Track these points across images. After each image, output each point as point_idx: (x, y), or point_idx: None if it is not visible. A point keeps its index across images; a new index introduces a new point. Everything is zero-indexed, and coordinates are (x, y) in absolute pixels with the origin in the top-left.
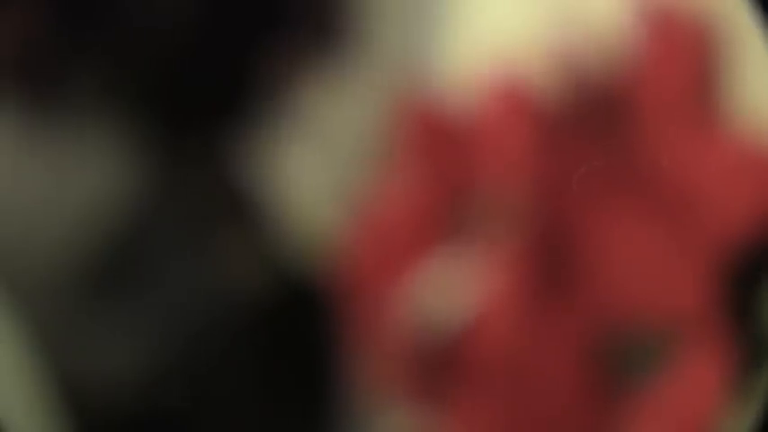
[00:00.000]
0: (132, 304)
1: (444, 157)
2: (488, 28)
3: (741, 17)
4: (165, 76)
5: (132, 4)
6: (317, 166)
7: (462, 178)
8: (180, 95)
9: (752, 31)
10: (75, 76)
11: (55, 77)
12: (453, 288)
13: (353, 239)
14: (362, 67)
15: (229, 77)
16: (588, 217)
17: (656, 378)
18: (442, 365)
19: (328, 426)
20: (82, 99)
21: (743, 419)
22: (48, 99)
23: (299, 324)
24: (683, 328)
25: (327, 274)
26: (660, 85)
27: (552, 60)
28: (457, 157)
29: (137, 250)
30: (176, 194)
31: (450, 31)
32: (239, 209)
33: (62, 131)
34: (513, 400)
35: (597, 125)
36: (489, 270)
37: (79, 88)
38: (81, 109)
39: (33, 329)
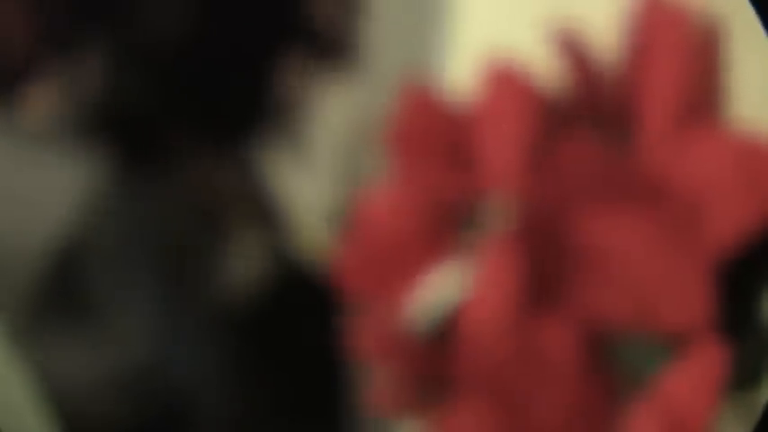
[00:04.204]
0: (95, 318)
1: (444, 162)
2: (488, 33)
3: (741, 17)
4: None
5: (136, 16)
6: (322, 170)
7: (461, 182)
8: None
9: (752, 32)
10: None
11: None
12: (450, 291)
13: (352, 245)
14: (366, 80)
15: (244, 87)
16: (587, 217)
17: (657, 377)
18: (441, 368)
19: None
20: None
21: (742, 419)
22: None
23: (297, 321)
24: (682, 328)
25: (327, 277)
26: (660, 84)
27: (552, 61)
28: (456, 162)
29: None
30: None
31: (451, 40)
32: (246, 208)
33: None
34: (515, 401)
35: (596, 125)
36: (487, 273)
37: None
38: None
39: (14, 334)
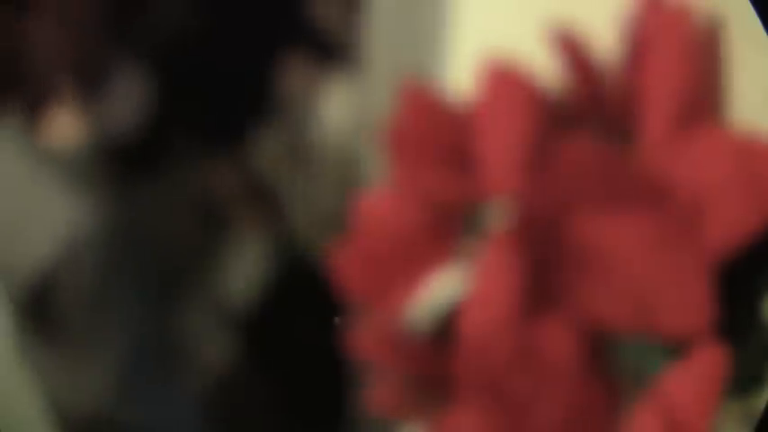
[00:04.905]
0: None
1: (444, 163)
2: (488, 33)
3: (741, 17)
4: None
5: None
6: (322, 171)
7: (461, 183)
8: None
9: (752, 32)
10: None
11: None
12: (451, 292)
13: (353, 245)
14: (367, 81)
15: (245, 88)
16: (587, 218)
17: (657, 378)
18: (442, 369)
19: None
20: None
21: (742, 420)
22: None
23: (297, 322)
24: (682, 329)
25: (327, 278)
26: (660, 85)
27: (552, 62)
28: (456, 163)
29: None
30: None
31: (451, 41)
32: (247, 208)
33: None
34: (515, 402)
35: (596, 126)
36: (487, 274)
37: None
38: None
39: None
